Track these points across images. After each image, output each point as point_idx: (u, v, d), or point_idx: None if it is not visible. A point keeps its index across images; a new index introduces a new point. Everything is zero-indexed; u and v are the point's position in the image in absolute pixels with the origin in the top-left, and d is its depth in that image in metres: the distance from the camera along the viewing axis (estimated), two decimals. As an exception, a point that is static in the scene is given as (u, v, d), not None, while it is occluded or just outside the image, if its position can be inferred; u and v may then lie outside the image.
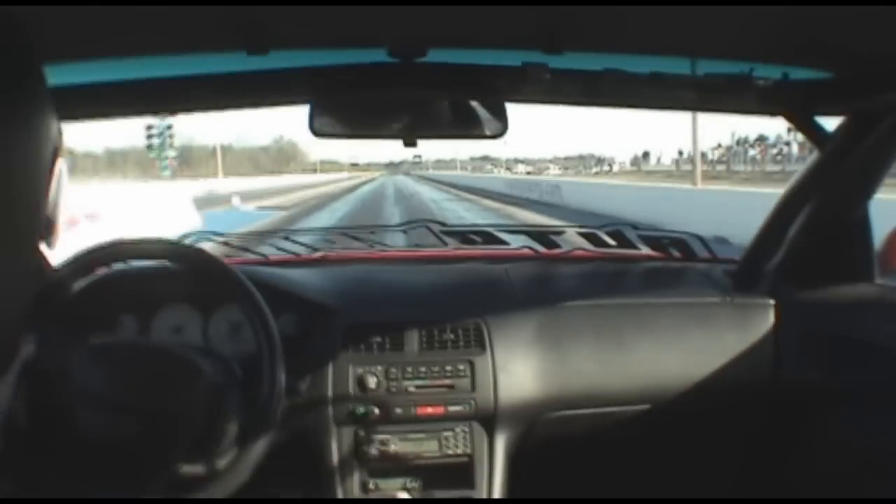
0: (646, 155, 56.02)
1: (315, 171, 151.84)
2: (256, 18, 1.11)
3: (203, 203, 22.98)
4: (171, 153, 36.66)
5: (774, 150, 30.27)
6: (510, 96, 1.45)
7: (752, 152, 32.50)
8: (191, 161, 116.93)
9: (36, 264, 0.55)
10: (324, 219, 20.87)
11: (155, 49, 1.24)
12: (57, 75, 1.29)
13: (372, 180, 78.18)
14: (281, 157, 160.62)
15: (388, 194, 39.18)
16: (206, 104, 1.56)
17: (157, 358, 1.24)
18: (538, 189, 29.25)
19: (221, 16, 1.08)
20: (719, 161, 35.04)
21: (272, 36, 1.20)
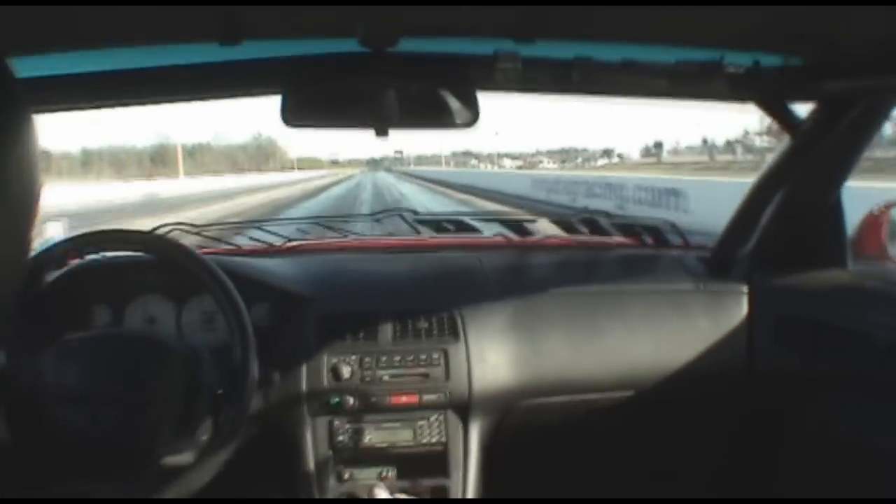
0: (658, 145, 55.03)
1: (293, 168, 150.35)
2: (230, 8, 1.10)
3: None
4: None
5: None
6: (482, 85, 1.45)
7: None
8: (166, 160, 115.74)
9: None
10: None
11: (127, 40, 1.23)
12: (26, 67, 1.28)
13: (348, 178, 68.51)
14: (259, 155, 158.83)
15: (362, 200, 28.08)
16: (178, 95, 1.54)
17: (127, 344, 1.24)
18: (614, 194, 17.16)
19: (195, 6, 1.06)
20: (769, 149, 33.31)
21: (245, 26, 1.19)
